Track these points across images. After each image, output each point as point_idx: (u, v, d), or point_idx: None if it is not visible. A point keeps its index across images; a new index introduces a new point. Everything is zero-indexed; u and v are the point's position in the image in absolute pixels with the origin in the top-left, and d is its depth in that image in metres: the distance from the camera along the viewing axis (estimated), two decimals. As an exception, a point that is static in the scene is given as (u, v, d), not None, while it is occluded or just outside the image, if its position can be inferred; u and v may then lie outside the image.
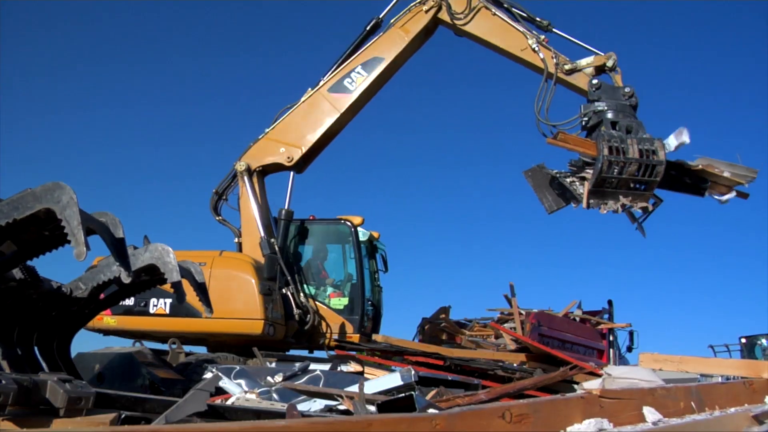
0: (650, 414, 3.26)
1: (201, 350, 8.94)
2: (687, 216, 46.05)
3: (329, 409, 3.54)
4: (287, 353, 8.91)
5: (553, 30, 9.15)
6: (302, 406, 3.51)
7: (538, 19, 9.16)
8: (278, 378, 4.09)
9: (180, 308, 8.07)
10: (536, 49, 8.90)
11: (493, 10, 9.13)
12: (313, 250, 9.87)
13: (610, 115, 8.12)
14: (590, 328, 13.38)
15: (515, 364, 7.38)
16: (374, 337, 6.89)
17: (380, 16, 9.47)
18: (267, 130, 9.57)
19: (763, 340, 19.38)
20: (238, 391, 3.83)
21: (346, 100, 9.31)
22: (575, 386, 5.69)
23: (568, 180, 8.22)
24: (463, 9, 9.14)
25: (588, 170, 7.97)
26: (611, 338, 13.95)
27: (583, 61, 8.78)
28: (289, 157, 9.38)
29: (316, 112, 9.40)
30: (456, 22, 9.15)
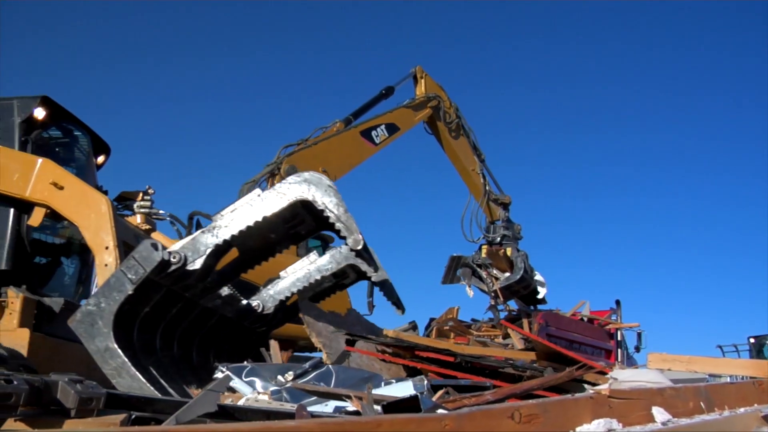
0: (659, 414, 3.26)
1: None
2: (695, 217, 45.93)
3: (339, 411, 3.53)
4: (297, 353, 8.92)
5: (485, 163, 12.34)
6: (316, 407, 3.47)
7: (478, 150, 12.25)
8: (289, 376, 4.04)
9: None
10: (479, 173, 12.17)
11: (461, 132, 12.03)
12: None
13: (513, 242, 12.04)
14: (598, 328, 13.34)
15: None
16: (384, 331, 6.84)
17: (393, 86, 11.00)
18: (307, 143, 9.67)
19: (772, 340, 19.28)
20: (248, 391, 3.81)
21: (372, 150, 10.40)
22: (585, 386, 5.66)
23: (484, 274, 11.63)
24: (449, 120, 11.77)
25: (494, 271, 11.72)
26: (619, 338, 13.92)
27: (498, 196, 12.44)
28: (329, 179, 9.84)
29: (353, 149, 10.17)
30: (448, 127, 11.73)
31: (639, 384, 4.33)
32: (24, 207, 5.69)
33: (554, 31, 48.89)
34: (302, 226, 5.11)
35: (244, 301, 5.22)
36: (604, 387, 3.67)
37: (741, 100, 47.16)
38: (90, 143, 6.73)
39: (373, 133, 10.32)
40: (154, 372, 4.24)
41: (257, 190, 4.53)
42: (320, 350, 5.54)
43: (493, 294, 11.58)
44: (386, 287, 5.71)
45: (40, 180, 5.59)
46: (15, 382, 2.68)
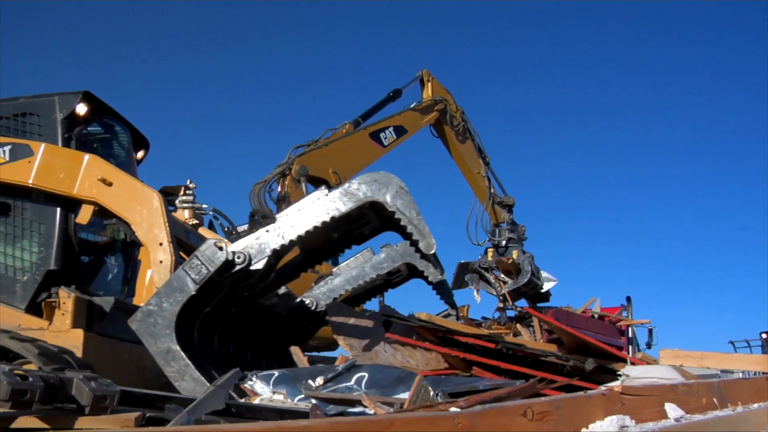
0: (672, 410, 3.24)
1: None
2: (705, 213, 45.68)
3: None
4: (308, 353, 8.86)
5: (489, 165, 12.54)
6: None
7: (483, 152, 12.43)
8: (320, 381, 3.92)
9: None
10: (484, 176, 12.34)
11: (467, 135, 12.18)
12: None
13: (518, 244, 12.14)
14: (609, 325, 13.28)
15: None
16: (417, 314, 6.75)
17: (401, 89, 11.20)
18: (317, 143, 9.70)
19: (784, 335, 19.13)
20: (276, 397, 3.73)
21: (380, 151, 10.54)
22: (619, 376, 5.59)
23: (492, 279, 11.71)
24: (455, 124, 11.91)
25: (501, 275, 11.82)
26: (630, 335, 13.86)
27: (502, 198, 12.68)
28: (337, 181, 9.90)
29: (362, 151, 10.29)
30: (455, 130, 11.85)
31: (651, 380, 4.32)
32: (71, 205, 5.55)
33: (558, 33, 48.71)
34: (367, 227, 5.03)
35: (298, 299, 5.17)
36: (616, 384, 3.66)
37: (754, 94, 46.85)
38: (130, 138, 6.58)
39: (382, 135, 10.46)
40: (216, 374, 4.15)
41: (324, 189, 4.39)
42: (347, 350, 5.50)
43: (501, 297, 11.66)
44: (443, 288, 5.66)
45: (88, 176, 5.46)
46: (30, 379, 2.69)
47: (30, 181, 5.46)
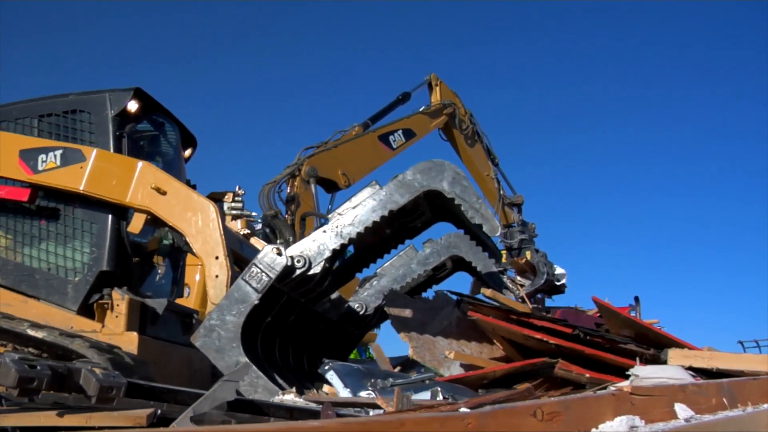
0: (682, 410, 3.24)
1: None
2: (714, 213, 45.45)
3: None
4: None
5: (498, 166, 12.54)
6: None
7: (492, 154, 12.46)
8: (388, 383, 3.81)
9: None
10: (494, 178, 12.37)
11: (476, 138, 12.19)
12: None
13: (530, 244, 12.05)
14: (617, 325, 13.32)
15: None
16: (483, 291, 6.56)
17: (410, 92, 11.27)
18: (328, 145, 9.75)
19: (794, 335, 19.04)
20: (341, 388, 3.65)
21: (389, 154, 10.56)
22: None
23: (509, 283, 11.19)
24: (464, 128, 11.90)
25: (518, 278, 11.53)
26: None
27: (511, 198, 12.63)
28: (346, 183, 9.98)
29: (370, 154, 10.32)
30: (464, 134, 11.86)
31: (661, 380, 4.30)
32: (123, 211, 5.45)
33: (566, 32, 48.58)
34: (420, 219, 4.91)
35: (347, 304, 5.11)
36: (625, 384, 3.66)
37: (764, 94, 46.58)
38: (179, 136, 6.43)
39: (391, 137, 10.54)
40: (284, 384, 4.06)
41: (375, 185, 4.24)
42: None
43: (520, 300, 11.71)
44: (496, 279, 5.55)
45: (141, 185, 5.31)
46: (38, 368, 2.72)
47: (81, 188, 5.31)
